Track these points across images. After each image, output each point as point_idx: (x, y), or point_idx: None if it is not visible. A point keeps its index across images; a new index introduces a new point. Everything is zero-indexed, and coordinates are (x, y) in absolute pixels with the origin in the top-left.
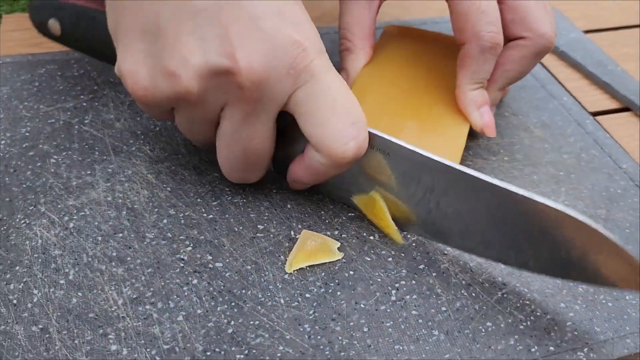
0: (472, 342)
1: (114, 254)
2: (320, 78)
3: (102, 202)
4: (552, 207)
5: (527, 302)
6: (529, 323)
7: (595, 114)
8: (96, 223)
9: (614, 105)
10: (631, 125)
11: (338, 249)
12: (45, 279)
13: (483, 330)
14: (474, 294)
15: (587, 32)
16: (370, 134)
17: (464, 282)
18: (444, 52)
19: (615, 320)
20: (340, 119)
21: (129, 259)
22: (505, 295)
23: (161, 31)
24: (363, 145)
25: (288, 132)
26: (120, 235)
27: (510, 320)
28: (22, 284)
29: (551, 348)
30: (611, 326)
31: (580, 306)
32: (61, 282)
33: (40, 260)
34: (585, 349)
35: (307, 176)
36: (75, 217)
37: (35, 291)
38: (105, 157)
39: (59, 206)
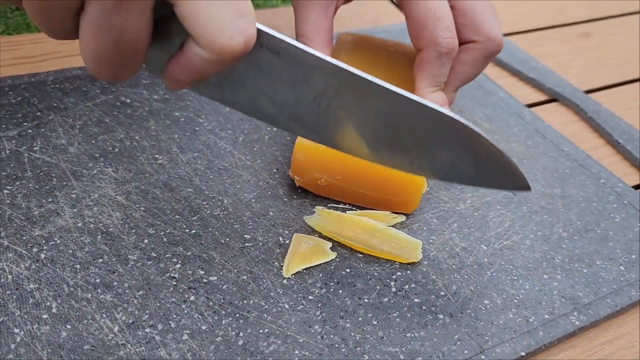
0: (475, 321)
1: (98, 280)
2: None
3: (72, 228)
4: (438, 110)
5: (515, 278)
6: (521, 296)
7: (528, 106)
8: (70, 251)
9: (542, 97)
10: (560, 114)
11: (330, 249)
12: (25, 316)
13: (483, 308)
14: (466, 276)
15: (506, 34)
16: (260, 30)
17: (454, 266)
18: (397, 57)
19: (593, 284)
20: (226, 10)
21: (115, 283)
22: (494, 274)
23: None
24: (251, 40)
25: (163, 24)
26: (101, 260)
27: (504, 296)
28: None
29: (546, 316)
30: (591, 290)
31: (561, 275)
32: (44, 316)
33: (14, 296)
34: (575, 313)
35: (186, 74)
36: (45, 247)
37: (17, 330)
38: (65, 183)
39: (24, 238)
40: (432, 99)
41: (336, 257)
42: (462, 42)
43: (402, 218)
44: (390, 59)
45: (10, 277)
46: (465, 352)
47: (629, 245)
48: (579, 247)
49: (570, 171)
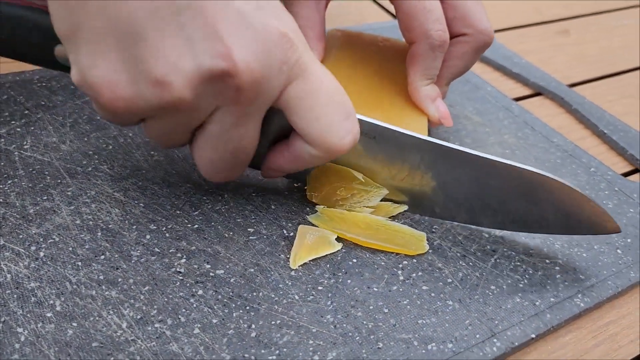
0: (484, 306)
1: (102, 277)
2: (311, 72)
3: (71, 226)
4: (531, 170)
5: (518, 263)
6: (526, 281)
7: (514, 100)
8: (70, 248)
9: (527, 91)
10: (546, 107)
11: (336, 239)
12: (28, 315)
13: (490, 293)
14: (471, 263)
15: None
16: (359, 120)
17: (458, 254)
18: (387, 52)
19: (593, 268)
20: (336, 113)
21: (120, 279)
22: (498, 260)
23: (140, 34)
24: (357, 137)
25: (267, 124)
26: (103, 257)
27: (509, 281)
28: (0, 324)
29: (552, 299)
30: (592, 273)
31: (562, 260)
32: (48, 315)
33: (15, 295)
34: (580, 295)
35: (290, 166)
36: (43, 245)
37: (20, 329)
38: (60, 181)
39: (21, 236)
40: (425, 92)
41: (342, 248)
42: (453, 36)
43: (404, 207)
44: (380, 53)
45: (9, 276)
46: (477, 336)
47: (624, 230)
48: None
49: (561, 161)
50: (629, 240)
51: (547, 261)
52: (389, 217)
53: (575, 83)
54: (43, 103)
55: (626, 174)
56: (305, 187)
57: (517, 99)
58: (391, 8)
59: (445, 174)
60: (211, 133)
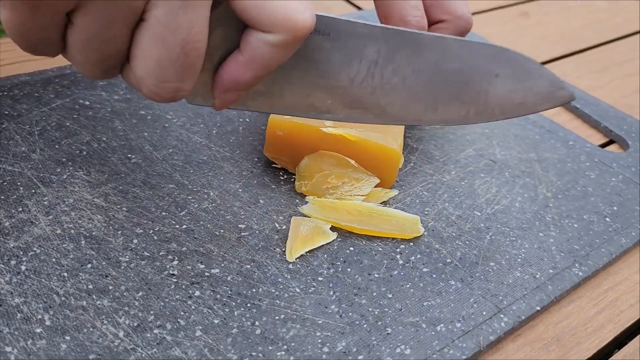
0: (486, 283)
1: (91, 286)
2: None
3: (51, 236)
4: (488, 44)
5: (514, 238)
6: (523, 255)
7: None
8: (54, 259)
9: None
10: None
11: (330, 229)
12: (16, 332)
13: (490, 270)
14: (467, 242)
15: None
16: None
17: (454, 234)
18: None
19: (586, 237)
20: None
21: (110, 287)
22: (493, 237)
23: None
24: (314, 15)
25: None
26: (90, 265)
27: (507, 257)
28: None
29: (550, 271)
30: (585, 242)
31: (555, 232)
32: (37, 330)
33: None
34: (577, 264)
35: (248, 73)
36: (24, 258)
37: (9, 348)
38: (34, 191)
39: None
40: None
41: (337, 238)
42: (431, 22)
43: (395, 192)
44: None
45: None
46: (484, 313)
47: (609, 199)
48: (565, 205)
49: (540, 137)
50: (614, 208)
51: (541, 234)
52: (380, 203)
53: (541, 62)
54: (7, 112)
55: (602, 146)
56: (294, 178)
57: None
58: (357, 2)
59: (405, 65)
60: (156, 19)
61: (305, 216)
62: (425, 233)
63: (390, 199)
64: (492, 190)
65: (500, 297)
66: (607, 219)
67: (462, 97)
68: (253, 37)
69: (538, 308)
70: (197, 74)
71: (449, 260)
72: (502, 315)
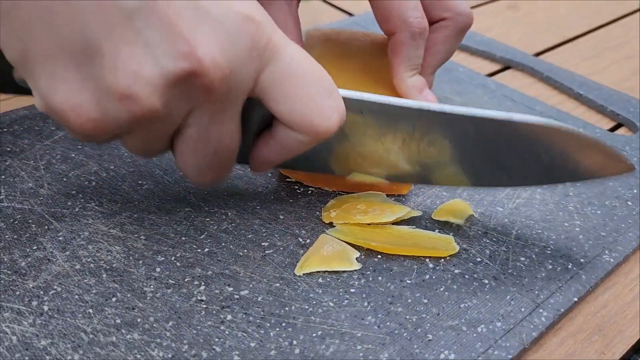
0: (520, 278)
1: (118, 320)
2: (284, 53)
3: (71, 272)
4: (529, 122)
5: (540, 231)
6: (551, 247)
7: (486, 76)
8: (76, 296)
9: (496, 67)
10: (518, 79)
11: (357, 259)
12: None
13: (522, 265)
14: (494, 239)
15: None
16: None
17: (479, 232)
18: (369, 47)
19: (610, 223)
20: (317, 92)
21: (139, 320)
22: (519, 232)
23: (94, 48)
24: (344, 114)
25: (247, 117)
26: (114, 299)
27: (536, 250)
28: None
29: (582, 260)
30: (611, 228)
31: (579, 220)
32: None
33: (27, 358)
34: (607, 252)
35: (278, 156)
36: (45, 298)
37: None
38: (47, 227)
39: (17, 293)
40: (411, 83)
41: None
42: (432, 22)
43: (419, 213)
44: (362, 49)
45: (14, 338)
46: (522, 309)
47: (627, 182)
48: (585, 192)
49: None
50: (635, 191)
51: (566, 224)
52: (402, 221)
53: (536, 53)
54: (9, 149)
55: (611, 130)
56: (310, 191)
57: (489, 75)
58: (345, 6)
59: (443, 137)
60: (190, 136)
61: (327, 225)
62: (452, 234)
63: (411, 202)
64: None
65: (537, 292)
66: (629, 202)
67: (503, 166)
68: (282, 130)
69: (575, 299)
70: (232, 166)
71: (479, 259)
72: (541, 310)
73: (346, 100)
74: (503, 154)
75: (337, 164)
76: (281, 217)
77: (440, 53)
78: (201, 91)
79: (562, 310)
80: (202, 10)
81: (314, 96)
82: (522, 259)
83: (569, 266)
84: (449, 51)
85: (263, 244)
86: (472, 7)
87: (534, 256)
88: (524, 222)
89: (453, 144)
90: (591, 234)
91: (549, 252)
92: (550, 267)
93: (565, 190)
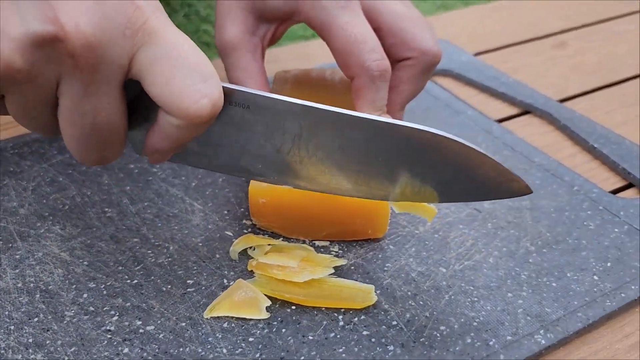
0: (429, 349)
1: (31, 340)
2: (161, 36)
3: (12, 289)
4: (421, 129)
5: (475, 299)
6: (481, 318)
7: (500, 120)
8: (7, 312)
9: (514, 111)
10: (534, 125)
11: (267, 308)
12: None
13: (438, 335)
14: (421, 302)
15: (477, 54)
16: (227, 88)
17: (409, 293)
18: (338, 85)
19: (562, 299)
20: (188, 75)
21: (48, 342)
22: (452, 297)
23: None
24: (218, 102)
25: (139, 103)
26: (36, 319)
27: (462, 320)
28: None
29: (508, 337)
30: (560, 305)
31: (527, 292)
32: None
33: None
34: (541, 331)
35: (164, 143)
36: None
37: None
38: (10, 245)
39: None
40: None
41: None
42: (397, 60)
43: (344, 261)
44: (331, 88)
45: None
46: None
47: (604, 253)
48: (548, 260)
49: (540, 182)
50: (608, 264)
51: (510, 295)
52: (334, 268)
53: (570, 96)
54: (11, 169)
55: (618, 190)
56: (258, 232)
57: (504, 119)
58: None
59: (330, 141)
60: (65, 106)
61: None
62: (378, 292)
63: (351, 253)
64: (466, 244)
65: None
66: (595, 276)
67: (394, 178)
68: (161, 115)
69: None
70: (119, 145)
71: (394, 323)
72: None
73: (232, 91)
74: (393, 163)
75: (228, 161)
76: (217, 256)
77: (406, 91)
78: (65, 57)
79: None
80: None
81: (184, 79)
82: (442, 328)
83: (491, 342)
84: (416, 89)
85: (188, 281)
86: (513, 45)
87: (456, 326)
88: (463, 287)
89: (341, 149)
90: (533, 309)
91: (475, 323)
92: (469, 341)
93: (526, 256)
